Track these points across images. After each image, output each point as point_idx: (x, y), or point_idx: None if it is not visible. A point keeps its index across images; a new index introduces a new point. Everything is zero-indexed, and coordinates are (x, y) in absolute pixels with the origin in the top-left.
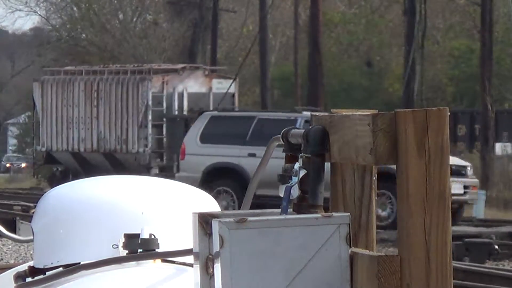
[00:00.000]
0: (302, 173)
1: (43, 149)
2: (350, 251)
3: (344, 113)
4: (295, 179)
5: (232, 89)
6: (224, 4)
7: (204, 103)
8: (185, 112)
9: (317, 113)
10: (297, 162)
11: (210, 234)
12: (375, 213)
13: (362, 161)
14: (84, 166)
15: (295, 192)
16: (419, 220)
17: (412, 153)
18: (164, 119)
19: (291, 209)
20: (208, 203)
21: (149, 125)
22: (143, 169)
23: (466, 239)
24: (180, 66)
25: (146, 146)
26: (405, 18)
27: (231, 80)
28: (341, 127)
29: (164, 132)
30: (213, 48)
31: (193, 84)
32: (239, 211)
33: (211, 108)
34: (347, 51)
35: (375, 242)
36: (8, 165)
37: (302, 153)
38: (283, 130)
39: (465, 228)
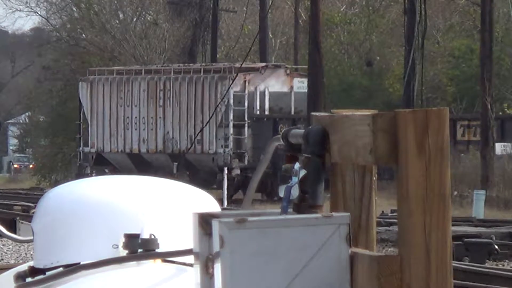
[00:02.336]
0: (302, 173)
1: (93, 150)
2: (350, 251)
3: (344, 113)
4: (295, 179)
5: (306, 88)
6: (224, 4)
7: (284, 102)
8: (266, 112)
9: (317, 113)
10: (297, 162)
11: (210, 234)
12: (375, 213)
13: (362, 161)
14: (142, 167)
15: (295, 192)
16: (419, 220)
17: (412, 153)
18: (246, 119)
19: (291, 209)
20: (208, 203)
21: (230, 125)
22: (221, 170)
23: (466, 239)
24: (261, 64)
25: (226, 146)
26: (405, 18)
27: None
28: (341, 127)
29: (246, 132)
30: (213, 48)
31: (274, 83)
32: (239, 211)
33: (292, 108)
34: (347, 51)
35: (375, 242)
36: (16, 166)
37: (302, 153)
38: (284, 130)
39: (465, 228)
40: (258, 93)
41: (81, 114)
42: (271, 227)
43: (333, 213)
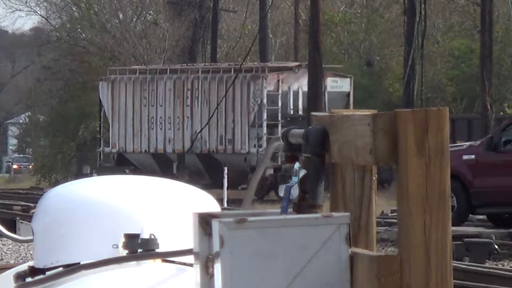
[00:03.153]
0: (302, 173)
1: (114, 150)
2: (350, 251)
3: (344, 113)
4: (295, 179)
5: (347, 88)
6: (224, 4)
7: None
8: (300, 112)
9: (317, 113)
10: (297, 162)
11: (210, 234)
12: (375, 213)
13: (362, 161)
14: (166, 167)
15: (295, 192)
16: (419, 220)
17: (412, 153)
18: (280, 119)
19: (291, 209)
20: (208, 203)
21: (264, 125)
22: (252, 170)
23: (466, 239)
24: (295, 64)
25: (259, 146)
26: (405, 18)
27: (347, 79)
28: (341, 127)
29: (280, 132)
30: (213, 48)
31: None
32: (239, 211)
33: (326, 107)
34: (347, 51)
35: (375, 242)
36: (15, 166)
37: (302, 153)
38: (283, 130)
39: (465, 228)
40: (291, 93)
41: (102, 114)
42: (271, 227)
43: (333, 213)
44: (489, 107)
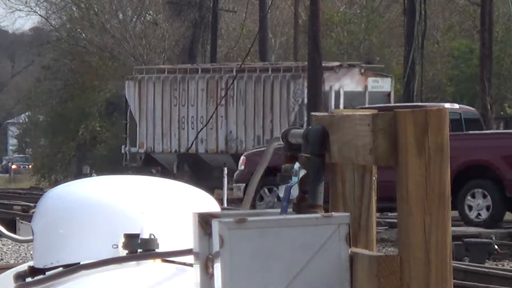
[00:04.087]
0: (302, 173)
1: (141, 150)
2: (350, 251)
3: (344, 113)
4: (295, 179)
5: (388, 88)
6: (224, 4)
7: (358, 102)
8: None
9: (317, 113)
10: (297, 162)
11: (210, 234)
12: (375, 213)
13: (362, 161)
14: (197, 168)
15: (295, 192)
16: (419, 220)
17: (412, 153)
18: None
19: (291, 209)
20: (208, 203)
21: (305, 125)
22: None
23: (466, 239)
24: (336, 64)
25: None
26: (405, 18)
27: (388, 79)
28: (341, 127)
29: None
30: (212, 48)
31: (349, 83)
32: (239, 211)
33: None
34: (346, 51)
35: (375, 242)
36: (14, 167)
37: (302, 153)
38: (283, 130)
39: (465, 228)
40: (333, 93)
41: (128, 114)
42: (270, 227)
43: (333, 213)
44: (489, 107)
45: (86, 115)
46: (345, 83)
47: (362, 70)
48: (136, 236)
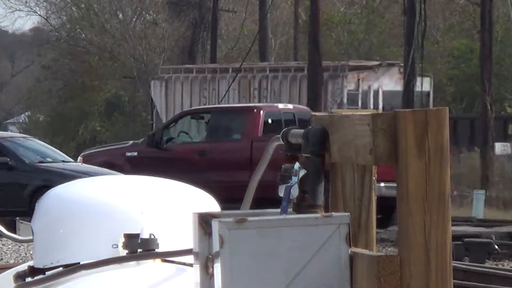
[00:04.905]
0: (302, 173)
1: None
2: (350, 251)
3: (344, 113)
4: (295, 179)
5: (427, 87)
6: (224, 4)
7: (396, 101)
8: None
9: (317, 113)
10: (297, 162)
11: (210, 234)
12: (375, 213)
13: (362, 161)
14: None
15: (295, 192)
16: (419, 220)
17: (412, 153)
18: None
19: (291, 209)
20: (208, 203)
21: None
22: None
23: (466, 239)
24: (375, 63)
25: None
26: (405, 18)
27: (427, 78)
28: (341, 127)
29: None
30: (212, 48)
31: (388, 82)
32: (239, 211)
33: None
34: (347, 51)
35: (375, 242)
36: None
37: (302, 153)
38: (283, 130)
39: (465, 228)
40: (372, 92)
41: (154, 114)
42: (270, 227)
43: (332, 213)
44: (489, 107)
45: (86, 115)
46: (384, 83)
47: (401, 70)
48: (136, 236)
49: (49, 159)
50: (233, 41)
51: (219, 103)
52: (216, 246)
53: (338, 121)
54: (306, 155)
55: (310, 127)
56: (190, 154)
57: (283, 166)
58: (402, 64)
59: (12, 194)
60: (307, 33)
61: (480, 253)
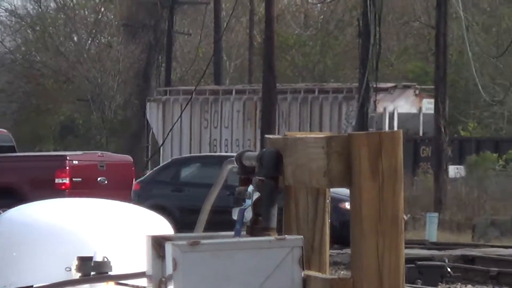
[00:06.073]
0: (256, 195)
1: None
2: (303, 273)
3: (297, 136)
4: (248, 202)
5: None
6: (179, 27)
7: (412, 124)
8: None
9: (271, 136)
10: (250, 185)
11: (163, 257)
12: (328, 236)
13: (316, 183)
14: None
15: (249, 214)
16: (372, 242)
17: (366, 175)
18: None
19: (245, 232)
20: (162, 226)
21: None
22: None
23: (419, 262)
24: (391, 85)
25: None
26: (360, 40)
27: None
28: (295, 150)
29: None
30: (167, 71)
31: (403, 104)
32: (193, 234)
33: (420, 129)
34: (301, 74)
35: (328, 265)
36: None
37: (256, 176)
38: (237, 153)
39: (418, 251)
40: (387, 114)
41: (150, 136)
42: (224, 250)
43: (286, 236)
44: (442, 129)
45: (40, 138)
46: (399, 105)
47: (417, 92)
48: (89, 258)
49: None
50: (188, 64)
51: (215, 127)
52: (169, 269)
53: (292, 144)
54: (260, 177)
55: (264, 149)
56: None
57: (237, 188)
58: (418, 86)
59: None
60: (262, 55)
61: (433, 276)
